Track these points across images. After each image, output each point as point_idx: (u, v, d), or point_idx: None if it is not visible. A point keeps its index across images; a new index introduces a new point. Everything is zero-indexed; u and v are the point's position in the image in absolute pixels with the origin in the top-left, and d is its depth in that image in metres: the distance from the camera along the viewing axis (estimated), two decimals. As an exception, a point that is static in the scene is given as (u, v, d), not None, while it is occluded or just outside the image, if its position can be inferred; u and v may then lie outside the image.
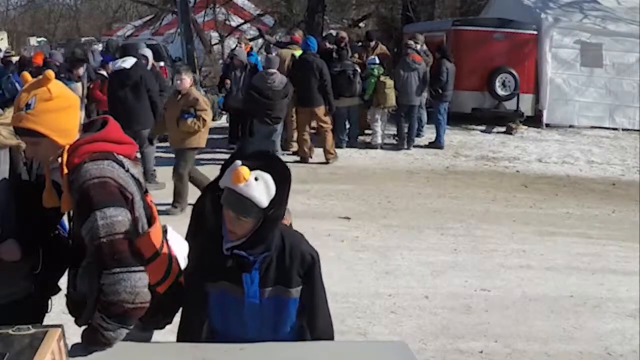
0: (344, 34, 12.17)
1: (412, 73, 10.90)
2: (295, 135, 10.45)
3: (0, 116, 2.63)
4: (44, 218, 2.62)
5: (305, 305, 2.45)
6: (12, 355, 1.90)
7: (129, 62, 8.40)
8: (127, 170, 2.39)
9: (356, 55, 11.61)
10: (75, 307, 2.46)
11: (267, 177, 2.24)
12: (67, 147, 2.36)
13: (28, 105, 2.31)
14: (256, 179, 2.23)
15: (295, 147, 10.54)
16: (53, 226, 2.75)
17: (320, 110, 9.99)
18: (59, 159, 2.39)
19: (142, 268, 2.28)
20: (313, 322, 2.48)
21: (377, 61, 11.05)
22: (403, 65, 11.03)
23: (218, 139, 11.57)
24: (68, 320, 2.42)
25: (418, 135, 11.76)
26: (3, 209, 2.59)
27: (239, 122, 11.00)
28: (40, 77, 2.36)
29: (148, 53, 9.27)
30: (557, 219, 7.90)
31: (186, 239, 2.65)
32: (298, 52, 10.57)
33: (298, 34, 11.91)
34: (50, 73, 2.36)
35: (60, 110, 2.36)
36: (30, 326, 2.06)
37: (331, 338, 2.52)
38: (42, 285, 2.68)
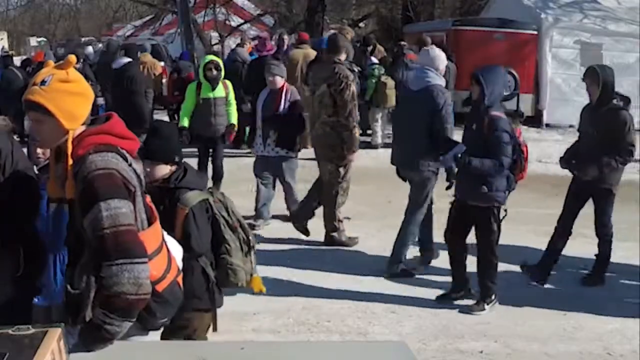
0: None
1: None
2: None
3: None
4: (19, 215, 2.60)
5: None
6: (12, 355, 1.90)
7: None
8: (130, 165, 2.40)
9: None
10: (72, 306, 2.42)
11: None
12: (71, 136, 2.36)
13: (44, 82, 2.34)
14: None
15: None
16: (29, 224, 2.73)
17: None
18: (62, 147, 2.38)
19: (145, 260, 2.27)
20: None
21: (377, 61, 11.02)
22: (401, 66, 11.01)
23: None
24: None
25: None
26: None
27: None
28: (64, 60, 2.39)
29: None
30: (557, 219, 7.88)
31: None
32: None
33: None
34: (72, 57, 2.39)
35: (73, 94, 2.38)
36: (30, 326, 2.05)
37: None
38: (25, 287, 2.66)
